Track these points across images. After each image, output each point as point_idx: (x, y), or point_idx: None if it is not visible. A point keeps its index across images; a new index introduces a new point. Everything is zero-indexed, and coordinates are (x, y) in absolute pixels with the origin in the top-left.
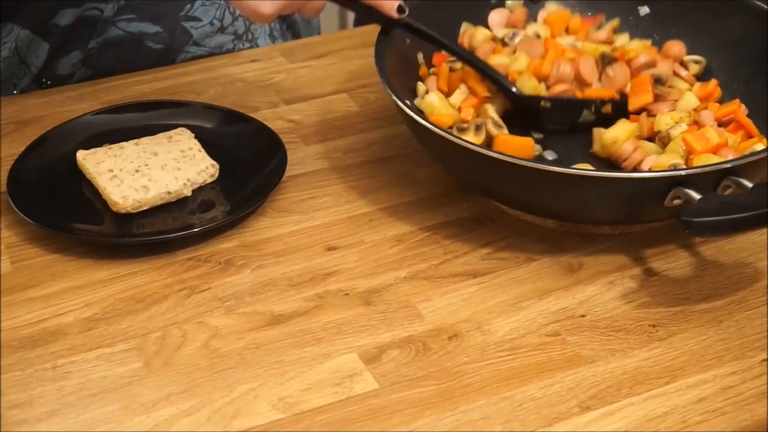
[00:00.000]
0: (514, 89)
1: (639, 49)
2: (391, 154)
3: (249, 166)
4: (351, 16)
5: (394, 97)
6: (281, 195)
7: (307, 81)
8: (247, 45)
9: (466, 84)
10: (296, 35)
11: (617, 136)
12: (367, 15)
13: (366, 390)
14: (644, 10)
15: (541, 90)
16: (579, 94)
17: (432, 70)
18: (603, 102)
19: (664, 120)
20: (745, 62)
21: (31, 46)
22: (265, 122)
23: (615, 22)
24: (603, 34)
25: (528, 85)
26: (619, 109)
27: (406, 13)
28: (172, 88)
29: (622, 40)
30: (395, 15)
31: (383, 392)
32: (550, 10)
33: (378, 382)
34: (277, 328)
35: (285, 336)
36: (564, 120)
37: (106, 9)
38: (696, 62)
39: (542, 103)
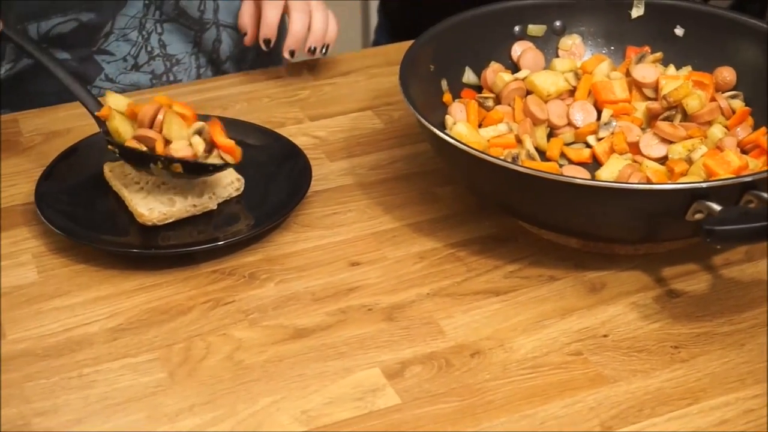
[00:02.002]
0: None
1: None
2: (414, 172)
3: (274, 180)
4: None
5: (418, 115)
6: (305, 210)
7: (333, 98)
8: (167, 83)
9: (511, 123)
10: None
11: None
12: None
13: (388, 405)
14: (680, 31)
15: None
16: None
17: (459, 100)
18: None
19: (676, 149)
20: None
21: None
22: (290, 138)
23: (658, 55)
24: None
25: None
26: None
27: None
28: (198, 103)
29: (670, 71)
30: None
31: (405, 407)
32: (569, 42)
33: (400, 397)
34: (300, 341)
35: (308, 350)
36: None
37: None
38: (734, 96)
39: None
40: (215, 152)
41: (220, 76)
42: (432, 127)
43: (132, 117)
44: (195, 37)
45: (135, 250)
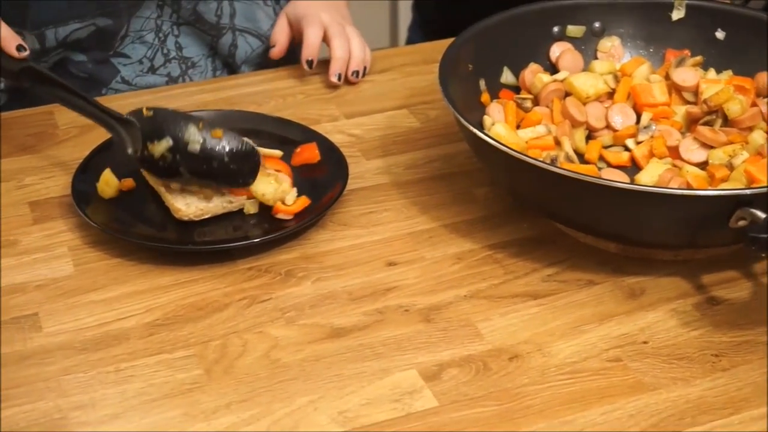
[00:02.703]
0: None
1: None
2: (451, 171)
3: (310, 178)
4: (403, 34)
5: (457, 114)
6: (342, 208)
7: (369, 96)
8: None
9: (549, 125)
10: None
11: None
12: None
13: (425, 407)
14: (720, 34)
15: None
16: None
17: (497, 101)
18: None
19: (716, 155)
20: None
21: None
22: (326, 135)
23: (699, 59)
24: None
25: None
26: None
27: (27, 53)
28: (234, 98)
29: (710, 75)
30: (15, 54)
31: (443, 410)
32: (609, 44)
33: (438, 399)
34: (337, 341)
35: (345, 350)
36: None
37: (27, 40)
38: None
39: None
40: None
41: (256, 71)
42: (471, 127)
43: None
44: (211, 42)
45: (172, 246)
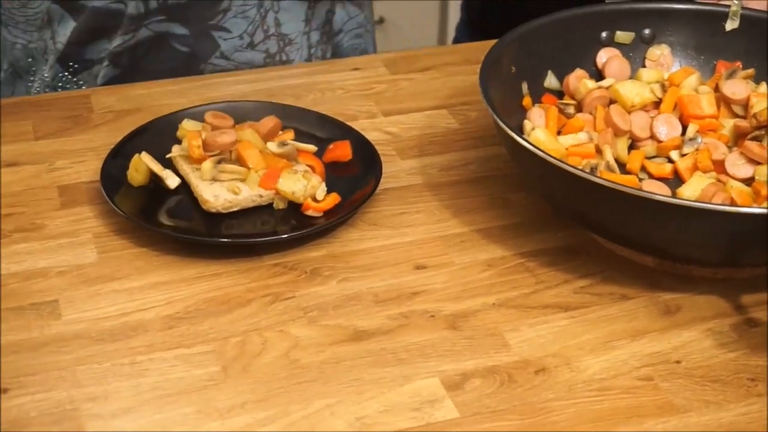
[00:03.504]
0: None
1: None
2: (487, 175)
3: (343, 175)
4: (452, 33)
5: (495, 117)
6: (373, 208)
7: (408, 94)
8: (280, 63)
9: (591, 133)
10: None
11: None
12: None
13: (446, 418)
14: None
15: None
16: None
17: (539, 105)
18: None
19: (763, 171)
20: None
21: (61, 22)
22: (362, 132)
23: (750, 71)
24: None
25: None
26: None
27: None
28: (272, 90)
29: (762, 89)
30: None
31: (464, 422)
32: (658, 52)
33: (459, 410)
34: (359, 344)
35: (366, 353)
36: None
37: (129, 6)
38: None
39: None
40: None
41: (294, 65)
42: (509, 131)
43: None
44: (308, 14)
45: (197, 238)
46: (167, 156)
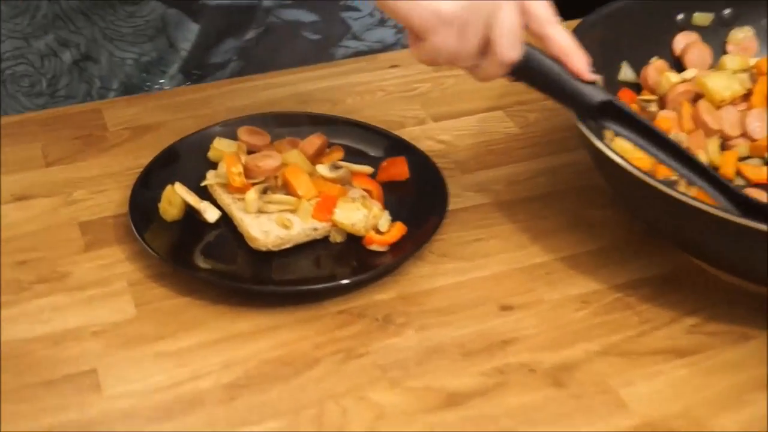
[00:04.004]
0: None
1: None
2: (560, 189)
3: (405, 199)
4: None
5: (581, 125)
6: (440, 235)
7: (456, 93)
8: None
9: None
10: None
11: None
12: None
13: None
14: None
15: None
16: None
17: None
18: None
19: None
20: None
21: (179, 27)
22: (413, 142)
23: None
24: None
25: None
26: None
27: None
28: (305, 95)
29: None
30: (587, 77)
31: None
32: (741, 35)
33: None
34: (454, 410)
35: (464, 421)
36: None
37: None
38: None
39: None
40: None
41: (325, 64)
42: (596, 140)
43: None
44: None
45: (253, 287)
46: (202, 184)
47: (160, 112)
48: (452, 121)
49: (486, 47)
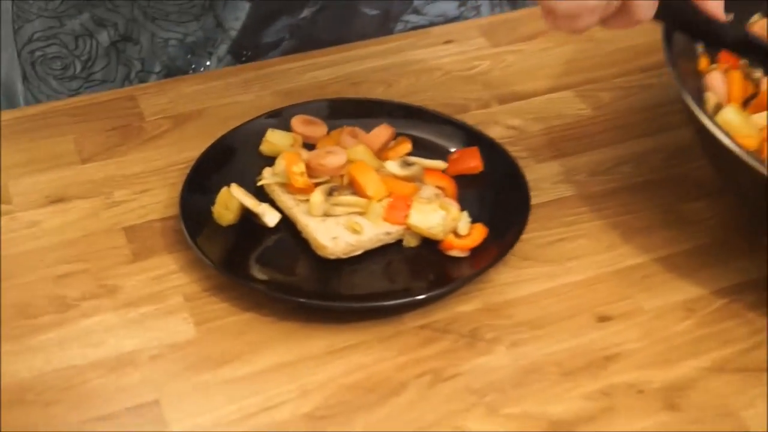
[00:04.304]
0: None
1: None
2: (648, 179)
3: (477, 193)
4: None
5: (686, 96)
6: (522, 235)
7: (519, 71)
8: (473, 13)
9: None
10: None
11: None
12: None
13: None
14: None
15: None
16: None
17: (716, 67)
18: None
19: None
20: None
21: (228, 5)
22: (479, 127)
23: None
24: None
25: None
26: None
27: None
28: (355, 76)
29: None
30: (721, 17)
31: None
32: None
33: None
34: None
35: None
36: None
37: None
38: None
39: None
40: None
41: (376, 39)
42: (703, 116)
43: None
44: None
45: (329, 304)
46: (258, 183)
47: (199, 98)
48: (519, 103)
49: None
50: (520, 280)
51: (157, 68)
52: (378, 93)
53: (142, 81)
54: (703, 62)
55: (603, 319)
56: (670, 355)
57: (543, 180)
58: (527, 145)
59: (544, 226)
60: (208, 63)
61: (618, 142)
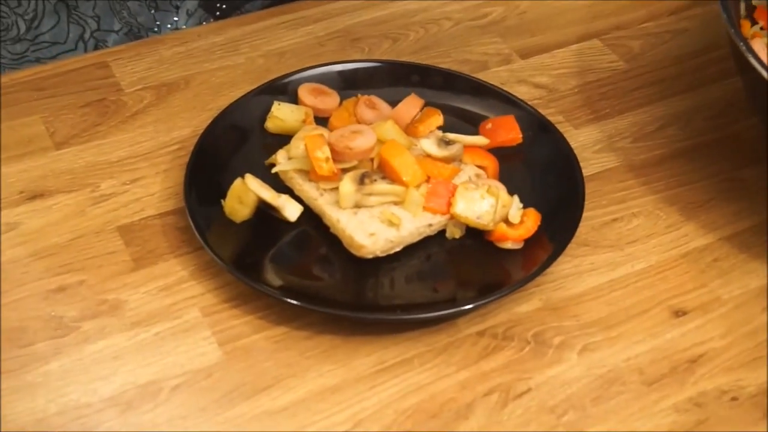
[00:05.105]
0: None
1: None
2: (695, 142)
3: (517, 170)
4: None
5: (746, 52)
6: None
7: (537, 19)
8: None
9: None
10: None
11: None
12: None
13: None
14: None
15: None
16: None
17: (755, 28)
18: None
19: None
20: None
21: None
22: (503, 87)
23: None
24: None
25: None
26: None
27: None
28: (353, 29)
29: None
30: None
31: None
32: None
33: None
34: None
35: None
36: None
37: None
38: None
39: None
40: None
41: None
42: (760, 67)
43: None
44: None
45: (369, 316)
46: (274, 170)
47: (182, 63)
48: (543, 56)
49: None
50: (580, 271)
51: (117, 26)
52: (384, 50)
53: (99, 42)
54: (744, 25)
55: (679, 313)
56: (758, 353)
57: (583, 148)
58: (560, 107)
59: (592, 204)
60: (175, 18)
61: (657, 100)
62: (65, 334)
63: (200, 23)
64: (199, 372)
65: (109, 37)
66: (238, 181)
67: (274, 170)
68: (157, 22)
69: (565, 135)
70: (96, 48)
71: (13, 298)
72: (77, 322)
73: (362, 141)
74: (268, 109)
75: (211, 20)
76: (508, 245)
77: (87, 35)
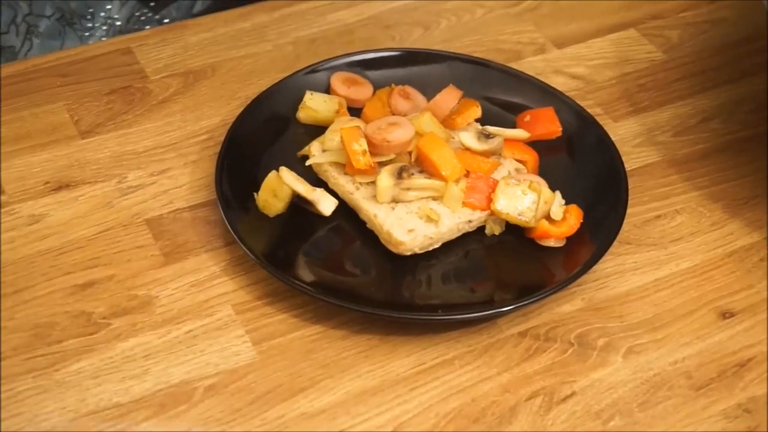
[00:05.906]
0: None
1: None
2: (739, 137)
3: (558, 164)
4: None
5: None
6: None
7: (571, 6)
8: None
9: None
10: None
11: None
12: None
13: None
14: None
15: None
16: None
17: None
18: None
19: None
20: None
21: None
22: (539, 78)
23: None
24: None
25: None
26: None
27: None
28: (385, 17)
29: None
30: None
31: None
32: None
33: None
34: None
35: None
36: None
37: None
38: None
39: None
40: None
41: None
42: None
43: None
44: None
45: (414, 316)
46: (307, 163)
47: (208, 50)
48: (579, 46)
49: None
50: (623, 270)
51: (48, 11)
52: (415, 38)
53: (31, 27)
54: None
55: (726, 314)
56: None
57: (623, 142)
58: (598, 99)
59: (636, 201)
60: (108, 7)
61: (698, 92)
62: (94, 331)
63: (133, 13)
64: (234, 372)
65: (40, 21)
66: (272, 174)
67: (308, 162)
68: (90, 10)
69: (603, 125)
70: (27, 33)
71: (40, 293)
72: (107, 318)
73: (400, 133)
74: (298, 99)
75: (146, 11)
76: (551, 243)
77: (19, 19)
